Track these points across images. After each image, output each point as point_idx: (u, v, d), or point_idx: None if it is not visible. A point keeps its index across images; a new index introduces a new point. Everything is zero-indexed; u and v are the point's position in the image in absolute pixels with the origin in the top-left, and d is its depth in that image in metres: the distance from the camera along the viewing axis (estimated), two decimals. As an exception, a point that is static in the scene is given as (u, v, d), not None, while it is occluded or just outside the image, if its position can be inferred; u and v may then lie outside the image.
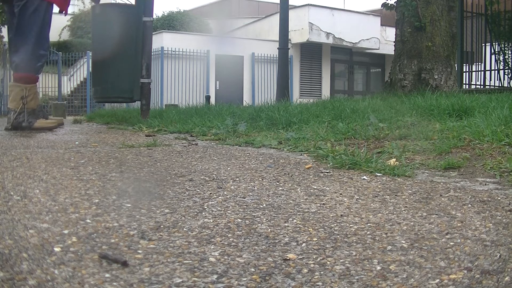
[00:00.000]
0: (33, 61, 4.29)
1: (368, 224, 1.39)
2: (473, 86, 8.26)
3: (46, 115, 4.73)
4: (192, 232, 1.29)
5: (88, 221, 1.35)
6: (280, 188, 1.86)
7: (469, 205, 1.60)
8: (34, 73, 4.35)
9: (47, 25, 4.34)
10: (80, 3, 19.86)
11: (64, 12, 4.59)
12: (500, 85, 8.36)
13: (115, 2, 8.94)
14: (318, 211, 1.53)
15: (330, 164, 2.35)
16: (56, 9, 4.53)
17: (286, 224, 1.38)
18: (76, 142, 3.33)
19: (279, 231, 1.32)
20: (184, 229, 1.31)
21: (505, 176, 1.99)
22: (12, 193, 1.65)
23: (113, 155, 2.62)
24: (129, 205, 1.54)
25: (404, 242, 1.24)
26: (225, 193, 1.76)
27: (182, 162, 2.45)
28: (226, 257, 1.12)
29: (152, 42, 5.25)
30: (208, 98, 11.95)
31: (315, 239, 1.26)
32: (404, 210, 1.55)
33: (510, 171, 2.02)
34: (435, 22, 5.86)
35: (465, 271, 1.04)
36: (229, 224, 1.37)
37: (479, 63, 9.00)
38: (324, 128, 3.39)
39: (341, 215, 1.49)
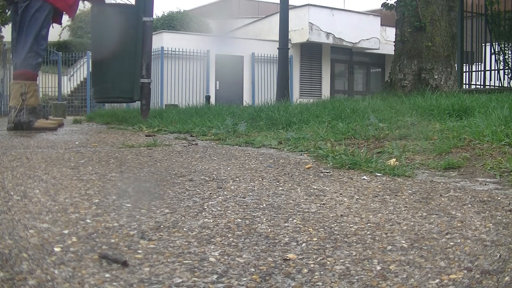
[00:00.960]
0: (31, 58, 4.37)
1: (368, 224, 1.39)
2: (473, 86, 8.26)
3: (47, 115, 4.77)
4: (192, 232, 1.29)
5: (88, 221, 1.35)
6: (280, 188, 1.86)
7: (469, 205, 1.60)
8: (32, 70, 4.42)
9: (47, 26, 4.45)
10: (80, 3, 19.81)
11: (69, 16, 4.71)
12: (500, 85, 8.36)
13: (115, 2, 8.95)
14: (318, 211, 1.53)
15: (330, 164, 2.35)
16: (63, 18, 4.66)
17: (286, 224, 1.38)
18: (76, 142, 3.33)
19: (279, 231, 1.32)
20: (184, 229, 1.31)
21: (505, 176, 1.99)
22: (12, 193, 1.65)
23: (113, 155, 2.62)
24: (129, 205, 1.54)
25: (404, 242, 1.24)
26: (225, 193, 1.76)
27: (182, 162, 2.45)
28: (226, 257, 1.12)
29: (152, 42, 5.25)
30: (208, 98, 11.95)
31: (315, 239, 1.26)
32: (404, 210, 1.55)
33: (510, 171, 2.02)
34: (435, 22, 5.86)
35: (465, 271, 1.04)
36: (229, 224, 1.37)
37: (479, 63, 9.00)
38: (324, 128, 3.39)
39: (341, 215, 1.49)
